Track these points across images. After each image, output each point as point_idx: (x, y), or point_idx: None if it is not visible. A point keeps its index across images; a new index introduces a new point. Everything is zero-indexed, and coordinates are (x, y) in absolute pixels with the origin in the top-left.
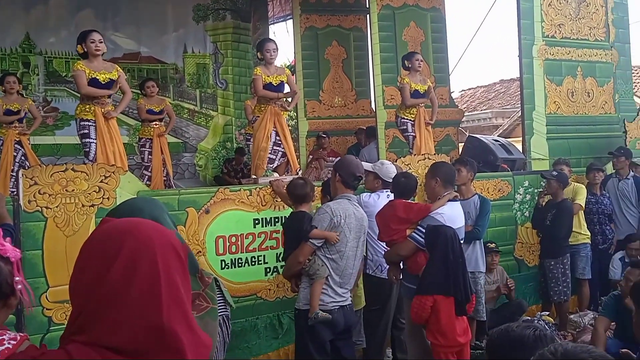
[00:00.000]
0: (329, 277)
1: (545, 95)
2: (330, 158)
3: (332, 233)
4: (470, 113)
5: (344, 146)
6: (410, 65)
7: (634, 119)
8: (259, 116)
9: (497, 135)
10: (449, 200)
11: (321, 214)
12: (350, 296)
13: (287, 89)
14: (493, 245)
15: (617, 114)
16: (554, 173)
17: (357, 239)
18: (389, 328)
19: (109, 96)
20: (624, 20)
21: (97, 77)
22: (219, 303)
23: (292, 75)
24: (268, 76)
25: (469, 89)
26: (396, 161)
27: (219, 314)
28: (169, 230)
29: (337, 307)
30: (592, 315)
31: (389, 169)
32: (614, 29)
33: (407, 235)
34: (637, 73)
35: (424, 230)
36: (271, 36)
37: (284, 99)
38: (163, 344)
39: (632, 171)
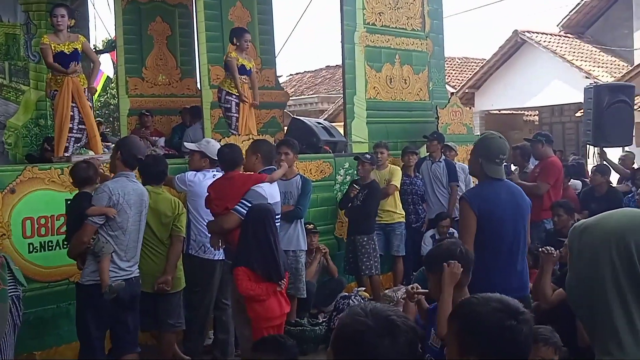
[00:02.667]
0: (113, 253)
1: (366, 81)
2: (154, 138)
3: (110, 208)
4: (297, 97)
5: (168, 126)
6: (238, 43)
7: (446, 106)
8: (57, 90)
9: (323, 120)
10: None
11: (99, 193)
12: (137, 269)
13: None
14: (311, 226)
15: (431, 101)
16: (367, 156)
17: (139, 213)
18: (211, 309)
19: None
20: (439, 12)
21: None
22: (9, 283)
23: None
24: (58, 44)
25: (297, 73)
26: (220, 141)
27: (9, 294)
28: None
29: (122, 280)
30: (404, 290)
31: (215, 146)
32: (429, 20)
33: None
34: (449, 63)
35: (248, 204)
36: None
37: None
38: None
39: (444, 154)
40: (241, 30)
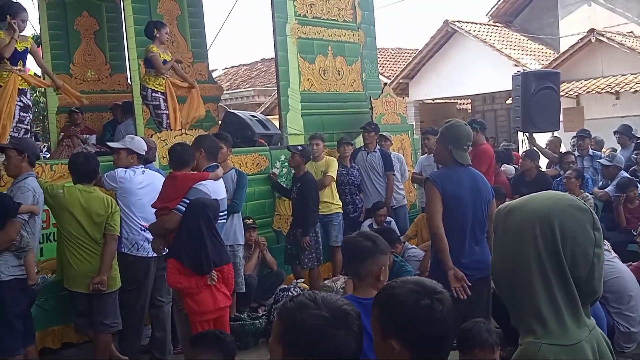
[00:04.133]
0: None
1: (299, 72)
2: (85, 135)
3: (34, 206)
4: (233, 91)
5: (99, 122)
6: (158, 35)
7: (379, 97)
8: (1, 85)
9: (260, 113)
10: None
11: (24, 192)
12: None
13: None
14: (250, 221)
15: (365, 92)
16: (299, 147)
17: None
18: (147, 307)
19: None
20: (369, 3)
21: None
22: None
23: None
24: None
25: (232, 67)
26: (151, 137)
27: None
28: None
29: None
30: (344, 279)
31: (141, 142)
32: (360, 11)
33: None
34: (383, 54)
35: (188, 203)
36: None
37: None
38: None
39: (379, 145)
40: (160, 22)
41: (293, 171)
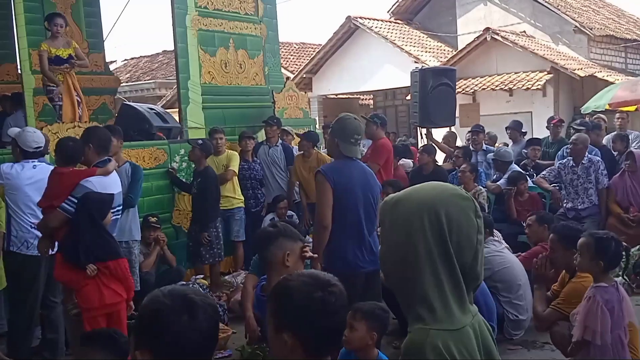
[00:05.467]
0: None
1: (200, 65)
2: None
3: None
4: (133, 83)
5: None
6: (49, 29)
7: (282, 91)
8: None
9: (161, 106)
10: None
11: None
12: None
13: None
14: (154, 219)
15: (267, 86)
16: (199, 141)
17: None
18: (37, 308)
19: None
20: None
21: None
22: None
23: None
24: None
25: (132, 58)
26: (42, 129)
27: None
28: None
29: None
30: (244, 275)
31: (26, 136)
32: (262, 5)
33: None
34: (287, 48)
35: (74, 200)
36: None
37: None
38: None
39: (281, 139)
40: (50, 15)
41: (193, 165)
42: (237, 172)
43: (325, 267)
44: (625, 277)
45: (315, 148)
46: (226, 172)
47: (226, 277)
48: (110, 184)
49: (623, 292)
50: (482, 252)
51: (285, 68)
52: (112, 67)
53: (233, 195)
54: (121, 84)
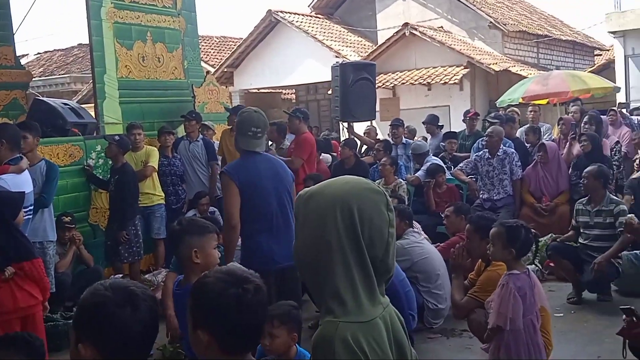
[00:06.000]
0: None
1: (117, 58)
2: None
3: None
4: (47, 78)
5: None
6: None
7: (202, 85)
8: None
9: (76, 101)
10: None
11: None
12: None
13: None
14: (68, 219)
15: (187, 80)
16: (116, 137)
17: None
18: None
19: None
20: None
21: None
22: None
23: None
24: None
25: (46, 52)
26: None
27: None
28: None
29: None
30: (165, 273)
31: None
32: None
33: None
34: (208, 42)
35: None
36: None
37: None
38: None
39: (202, 134)
40: None
41: (111, 162)
42: (156, 168)
43: (242, 264)
44: (537, 264)
45: None
46: (145, 169)
47: (147, 276)
48: (23, 182)
49: (534, 278)
50: (394, 245)
51: (205, 62)
52: (23, 60)
53: (153, 192)
54: (33, 79)
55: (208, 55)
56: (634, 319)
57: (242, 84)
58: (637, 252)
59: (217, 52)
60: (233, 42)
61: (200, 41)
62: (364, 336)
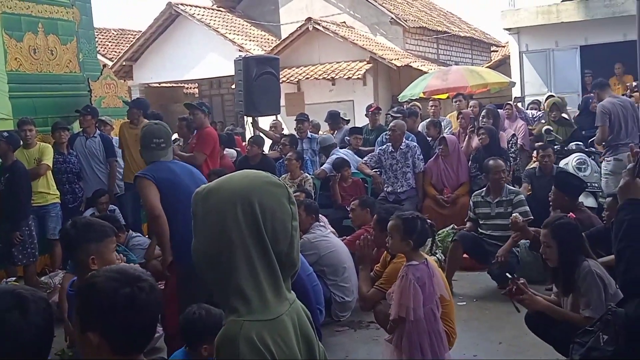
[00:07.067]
0: None
1: (5, 51)
2: None
3: None
4: None
5: None
6: None
7: (98, 78)
8: None
9: None
10: None
11: None
12: None
13: None
14: None
15: (83, 73)
16: (5, 134)
17: None
18: None
19: None
20: None
21: None
22: None
23: None
24: None
25: None
26: None
27: None
28: None
29: None
30: (62, 274)
31: None
32: None
33: None
34: (105, 35)
35: None
36: None
37: None
38: None
39: (99, 129)
40: None
41: (0, 160)
42: (51, 165)
43: (175, 262)
44: (441, 254)
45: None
46: (39, 167)
47: (42, 278)
48: None
49: (433, 267)
50: (298, 238)
51: (103, 55)
52: None
53: (47, 190)
54: None
55: (105, 48)
56: (514, 288)
57: (142, 78)
58: None
59: (116, 45)
60: (132, 34)
61: (97, 34)
62: (270, 334)
